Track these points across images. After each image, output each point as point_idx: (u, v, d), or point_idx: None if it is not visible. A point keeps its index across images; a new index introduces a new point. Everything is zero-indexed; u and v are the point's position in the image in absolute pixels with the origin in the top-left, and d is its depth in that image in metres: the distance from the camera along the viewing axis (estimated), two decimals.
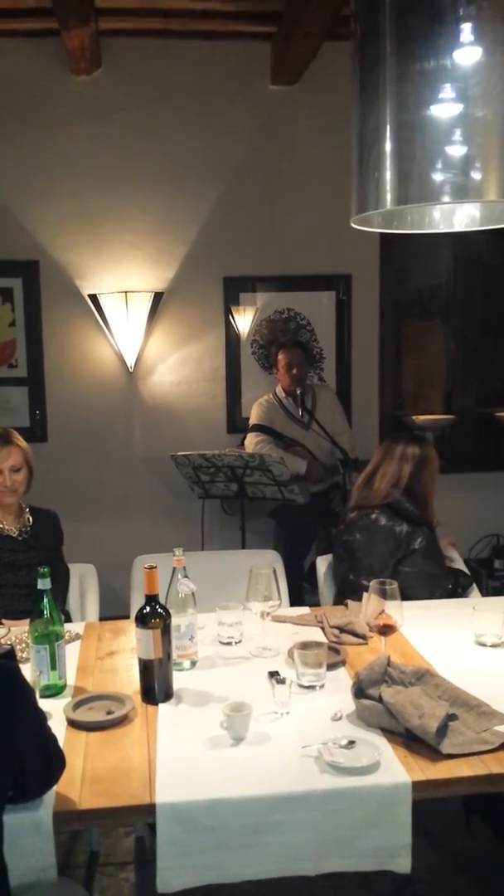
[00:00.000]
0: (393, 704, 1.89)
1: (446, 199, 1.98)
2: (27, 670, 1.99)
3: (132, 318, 4.60)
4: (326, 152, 4.64)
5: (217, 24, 4.38)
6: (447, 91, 1.88)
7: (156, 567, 2.09)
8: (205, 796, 1.68)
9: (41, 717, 1.69)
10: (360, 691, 2.00)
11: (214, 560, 3.27)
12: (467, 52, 1.86)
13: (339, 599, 2.92)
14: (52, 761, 1.66)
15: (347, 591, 2.89)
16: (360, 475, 3.02)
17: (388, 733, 1.89)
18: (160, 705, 2.07)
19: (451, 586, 2.96)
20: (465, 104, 1.88)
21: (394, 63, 1.93)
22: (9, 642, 2.38)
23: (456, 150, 1.90)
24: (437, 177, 1.92)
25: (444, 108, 1.89)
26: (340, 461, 4.39)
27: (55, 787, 1.68)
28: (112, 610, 3.14)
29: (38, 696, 1.85)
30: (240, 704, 1.91)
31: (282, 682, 2.03)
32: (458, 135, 1.90)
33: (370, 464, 2.97)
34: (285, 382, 4.53)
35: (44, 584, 2.12)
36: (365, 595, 2.26)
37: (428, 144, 1.91)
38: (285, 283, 4.90)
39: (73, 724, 1.97)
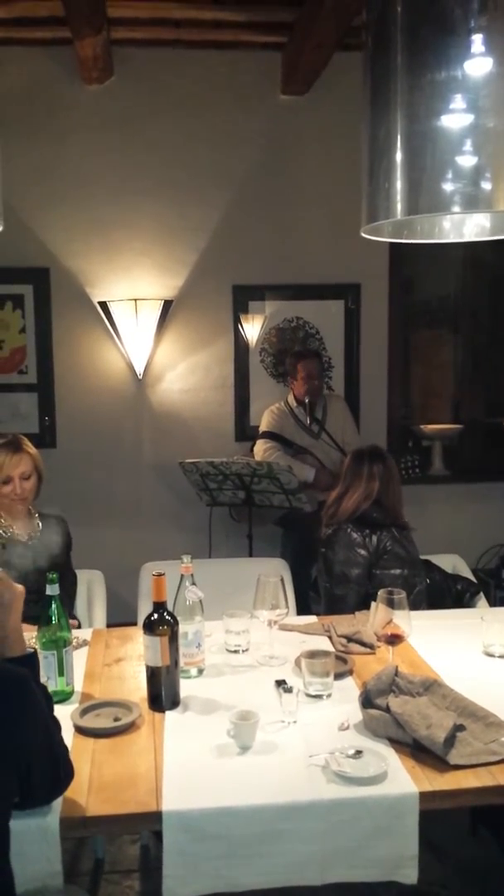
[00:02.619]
0: (400, 714, 1.88)
1: (456, 209, 1.98)
2: None
3: (141, 326, 4.61)
4: (336, 162, 4.65)
5: (228, 35, 4.40)
6: (458, 102, 1.89)
7: (164, 574, 2.10)
8: (211, 804, 1.68)
9: (52, 726, 1.68)
10: (367, 701, 1.99)
11: (222, 568, 3.27)
12: (478, 62, 1.87)
13: (328, 612, 2.92)
14: (59, 772, 1.65)
15: (333, 603, 2.92)
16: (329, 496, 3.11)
17: (396, 743, 1.88)
18: (167, 713, 2.08)
19: (458, 591, 3.01)
20: (475, 115, 1.88)
21: (405, 73, 1.94)
22: None
23: (466, 161, 1.90)
24: (448, 187, 1.92)
25: (455, 118, 1.89)
26: None
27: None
28: (119, 617, 3.14)
29: None
30: (247, 713, 1.91)
31: (289, 690, 2.03)
32: (468, 145, 1.90)
33: (339, 487, 3.05)
34: (301, 392, 4.50)
35: (52, 589, 2.13)
36: (373, 604, 2.26)
37: (438, 155, 1.91)
38: (294, 291, 4.91)
39: (80, 730, 1.97)
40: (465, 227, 2.34)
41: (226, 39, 4.47)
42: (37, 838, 1.63)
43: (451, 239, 2.37)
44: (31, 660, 1.71)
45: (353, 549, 2.90)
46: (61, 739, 1.71)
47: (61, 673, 2.14)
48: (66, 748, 1.71)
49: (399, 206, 1.98)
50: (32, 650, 1.75)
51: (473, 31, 1.86)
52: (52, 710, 1.73)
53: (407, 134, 1.95)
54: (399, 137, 1.96)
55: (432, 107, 1.90)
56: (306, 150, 4.78)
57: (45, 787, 1.63)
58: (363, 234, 2.21)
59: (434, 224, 2.35)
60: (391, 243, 4.37)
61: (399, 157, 1.96)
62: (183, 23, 4.24)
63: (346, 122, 4.43)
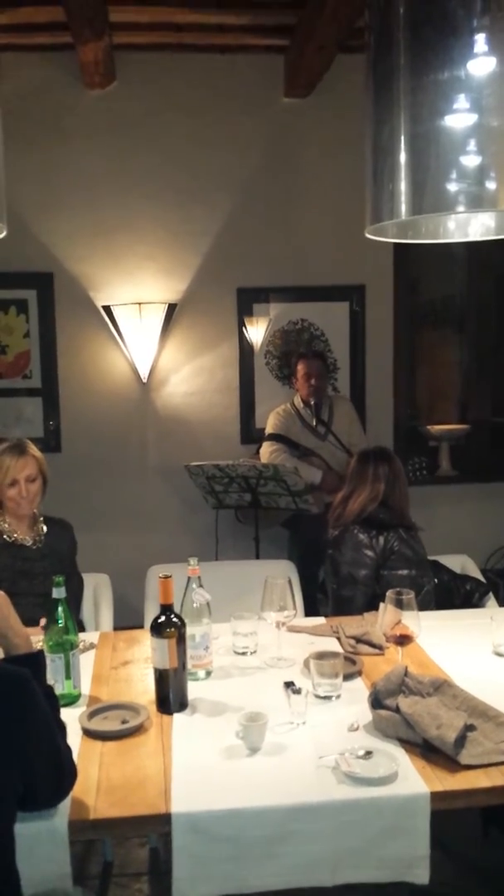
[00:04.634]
0: (410, 715, 1.88)
1: (461, 208, 1.98)
2: None
3: (146, 330, 4.62)
4: (340, 163, 4.65)
5: (230, 38, 4.41)
6: (461, 101, 1.89)
7: (171, 576, 2.10)
8: (221, 806, 1.68)
9: (55, 727, 1.67)
10: (377, 702, 1.99)
11: (229, 570, 3.27)
12: (481, 62, 1.86)
13: (335, 613, 2.92)
14: (62, 774, 1.65)
15: (340, 604, 2.92)
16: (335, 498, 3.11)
17: (406, 744, 1.88)
18: (175, 715, 2.07)
19: (467, 592, 3.01)
20: (479, 114, 1.88)
21: (408, 74, 1.94)
22: None
23: (470, 160, 1.90)
24: (452, 187, 1.92)
25: (459, 118, 1.89)
26: None
27: (70, 796, 1.68)
28: (125, 621, 3.14)
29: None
30: (255, 714, 1.91)
31: (297, 692, 2.02)
32: (472, 145, 1.90)
33: (345, 488, 3.05)
34: (304, 392, 4.52)
35: (59, 592, 2.13)
36: (382, 605, 2.26)
37: (442, 155, 1.91)
38: (299, 293, 4.90)
39: (87, 733, 1.97)
40: (470, 226, 2.34)
41: (228, 43, 4.48)
42: (45, 840, 1.63)
43: (456, 239, 2.37)
44: (35, 659, 1.70)
45: (360, 551, 2.90)
46: (65, 741, 1.70)
47: (68, 676, 2.13)
48: (69, 750, 1.70)
49: (403, 207, 1.98)
50: (38, 650, 1.74)
51: (476, 31, 1.86)
52: (57, 710, 1.72)
53: (410, 134, 1.95)
54: (402, 138, 1.96)
55: (435, 107, 1.90)
56: (309, 152, 4.78)
57: (48, 788, 1.62)
58: (367, 235, 2.21)
59: (438, 224, 2.35)
60: (396, 244, 4.37)
61: (403, 157, 1.97)
62: (185, 27, 4.25)
63: (349, 124, 4.43)
